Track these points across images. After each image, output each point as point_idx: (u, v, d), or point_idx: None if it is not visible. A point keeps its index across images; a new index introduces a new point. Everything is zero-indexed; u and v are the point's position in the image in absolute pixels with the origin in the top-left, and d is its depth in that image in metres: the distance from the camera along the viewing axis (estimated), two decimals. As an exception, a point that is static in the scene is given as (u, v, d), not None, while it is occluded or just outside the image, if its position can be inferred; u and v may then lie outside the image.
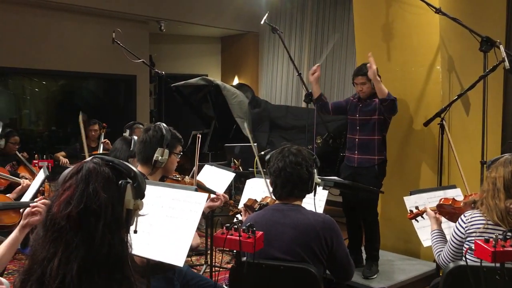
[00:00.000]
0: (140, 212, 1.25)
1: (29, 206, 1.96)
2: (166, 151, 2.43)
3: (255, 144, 3.39)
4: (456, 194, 2.89)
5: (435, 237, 2.46)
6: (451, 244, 2.22)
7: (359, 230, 3.86)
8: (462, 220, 2.18)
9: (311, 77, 3.89)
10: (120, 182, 1.17)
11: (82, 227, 1.10)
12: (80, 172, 1.15)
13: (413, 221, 2.71)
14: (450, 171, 3.94)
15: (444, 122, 3.63)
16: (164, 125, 2.50)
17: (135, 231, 1.23)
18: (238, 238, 1.79)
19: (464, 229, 2.15)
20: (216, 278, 3.39)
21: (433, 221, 2.55)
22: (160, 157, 2.41)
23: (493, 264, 1.64)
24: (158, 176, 2.51)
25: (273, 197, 2.30)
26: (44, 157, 4.84)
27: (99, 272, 1.08)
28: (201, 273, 3.89)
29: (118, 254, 1.12)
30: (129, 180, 1.19)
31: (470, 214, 2.16)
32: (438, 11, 3.51)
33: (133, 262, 1.23)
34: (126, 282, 1.11)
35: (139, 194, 1.21)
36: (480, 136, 3.37)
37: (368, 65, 3.54)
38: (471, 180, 3.41)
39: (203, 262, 4.33)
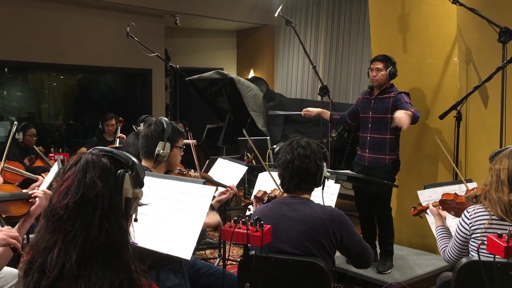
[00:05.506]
0: (141, 201, 1.25)
1: (31, 197, 1.99)
2: (168, 144, 2.44)
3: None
4: (472, 188, 2.82)
5: (440, 233, 2.40)
6: (456, 241, 2.15)
7: (373, 225, 3.82)
8: (466, 216, 2.10)
9: (312, 113, 3.97)
10: (118, 171, 1.17)
11: (79, 216, 1.11)
12: (78, 163, 1.17)
13: (426, 216, 2.66)
14: (466, 164, 3.86)
15: (460, 115, 3.54)
16: (165, 119, 2.51)
17: (136, 220, 1.23)
18: (245, 231, 1.77)
19: (468, 225, 2.08)
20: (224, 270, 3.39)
21: (436, 217, 2.49)
22: (161, 151, 2.41)
23: (505, 260, 1.60)
24: (162, 170, 2.52)
25: (281, 190, 2.28)
26: (60, 151, 4.91)
27: (98, 260, 1.09)
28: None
29: (117, 242, 1.13)
30: (127, 170, 1.19)
31: (473, 210, 2.09)
32: (455, 1, 3.43)
33: (139, 253, 1.23)
34: (124, 270, 1.12)
35: (138, 183, 1.21)
36: (498, 129, 3.28)
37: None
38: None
39: (217, 256, 4.35)
